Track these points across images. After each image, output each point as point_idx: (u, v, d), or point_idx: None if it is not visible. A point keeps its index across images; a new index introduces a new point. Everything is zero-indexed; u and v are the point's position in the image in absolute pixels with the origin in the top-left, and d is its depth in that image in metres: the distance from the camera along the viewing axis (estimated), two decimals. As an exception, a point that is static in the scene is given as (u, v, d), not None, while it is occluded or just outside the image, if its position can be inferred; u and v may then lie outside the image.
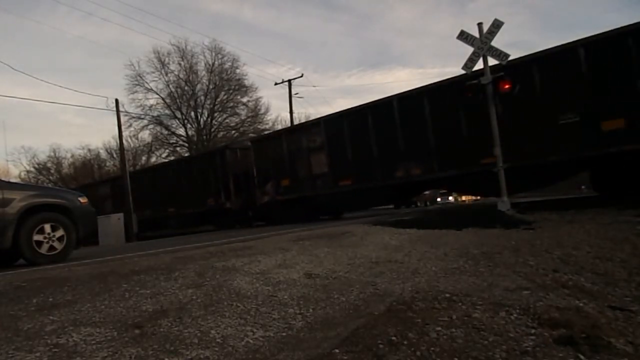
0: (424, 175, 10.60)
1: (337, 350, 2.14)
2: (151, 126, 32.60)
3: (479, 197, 26.87)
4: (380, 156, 11.21)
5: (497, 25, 7.87)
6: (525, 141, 8.68)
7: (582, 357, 2.09)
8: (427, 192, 24.61)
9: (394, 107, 11.00)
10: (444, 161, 10.07)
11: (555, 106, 8.38)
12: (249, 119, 33.34)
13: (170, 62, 32.20)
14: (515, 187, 9.42)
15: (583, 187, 15.17)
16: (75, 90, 60.24)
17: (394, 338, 2.28)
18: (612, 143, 7.54)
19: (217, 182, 15.55)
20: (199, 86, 32.50)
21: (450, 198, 30.84)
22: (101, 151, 36.02)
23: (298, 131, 14.09)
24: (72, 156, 36.98)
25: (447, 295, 3.03)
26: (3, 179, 7.30)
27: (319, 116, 14.38)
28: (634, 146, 7.45)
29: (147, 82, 32.04)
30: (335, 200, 12.92)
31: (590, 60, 8.00)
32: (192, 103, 32.38)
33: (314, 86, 72.78)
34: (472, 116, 9.38)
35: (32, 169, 35.46)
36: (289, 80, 27.21)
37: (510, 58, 8.09)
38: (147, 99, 32.64)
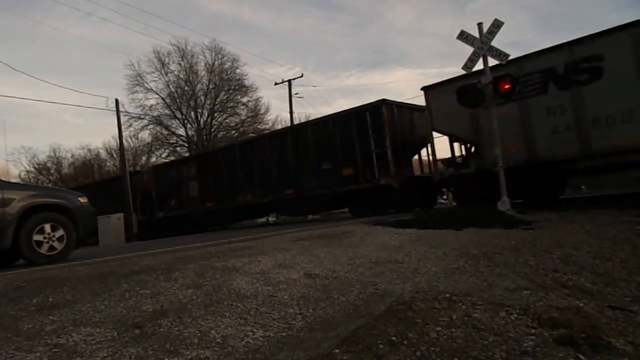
0: (253, 200, 14.56)
1: (337, 350, 2.14)
2: (151, 126, 32.45)
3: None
4: (229, 186, 15.20)
5: (497, 25, 7.85)
6: (306, 179, 12.76)
7: (582, 357, 2.09)
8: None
9: (236, 152, 15.28)
10: (264, 191, 14.11)
11: (320, 157, 12.47)
12: (249, 119, 33.21)
13: (170, 62, 32.01)
14: (307, 211, 14.54)
15: (583, 187, 15.20)
16: (75, 90, 60.27)
17: (394, 338, 2.28)
18: (348, 184, 11.69)
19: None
20: (199, 86, 32.37)
21: (444, 198, 29.66)
22: (101, 151, 35.93)
23: (180, 163, 18.32)
24: (72, 156, 36.90)
25: (447, 295, 3.03)
26: (3, 179, 7.31)
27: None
28: (357, 186, 11.48)
29: (147, 82, 31.87)
30: (205, 217, 16.54)
31: (336, 128, 12.11)
32: (192, 103, 32.27)
33: (314, 86, 72.79)
34: (278, 161, 13.64)
35: (32, 169, 35.41)
36: (289, 80, 27.19)
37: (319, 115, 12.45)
38: (147, 99, 32.47)
